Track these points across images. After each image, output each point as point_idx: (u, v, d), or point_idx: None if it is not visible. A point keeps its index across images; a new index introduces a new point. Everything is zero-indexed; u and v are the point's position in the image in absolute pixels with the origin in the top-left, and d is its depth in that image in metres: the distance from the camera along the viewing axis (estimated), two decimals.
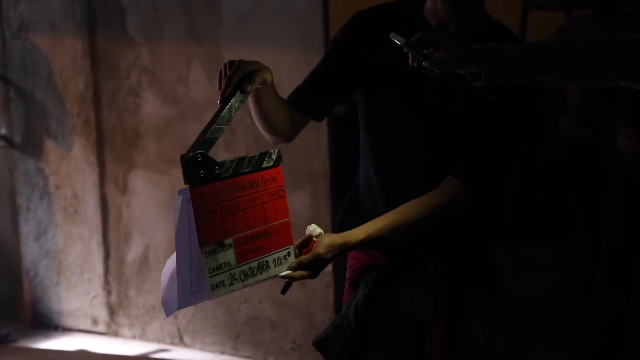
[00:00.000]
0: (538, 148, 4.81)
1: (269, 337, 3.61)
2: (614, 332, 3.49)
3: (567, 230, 4.71)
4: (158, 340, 3.83)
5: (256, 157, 1.72)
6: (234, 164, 1.68)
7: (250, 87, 1.73)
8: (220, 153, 3.58)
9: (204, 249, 1.62)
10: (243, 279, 1.68)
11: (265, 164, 1.73)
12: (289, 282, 1.80)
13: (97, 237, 3.89)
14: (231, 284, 1.66)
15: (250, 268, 1.70)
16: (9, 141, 4.05)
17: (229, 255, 1.66)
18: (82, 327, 4.00)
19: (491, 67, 1.62)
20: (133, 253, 3.84)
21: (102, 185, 3.86)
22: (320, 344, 2.00)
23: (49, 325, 4.06)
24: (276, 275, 1.75)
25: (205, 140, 1.66)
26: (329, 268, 3.44)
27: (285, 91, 3.73)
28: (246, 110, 3.79)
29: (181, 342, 3.79)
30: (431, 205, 1.84)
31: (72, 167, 3.91)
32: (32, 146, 4.00)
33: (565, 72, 1.64)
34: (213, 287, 1.63)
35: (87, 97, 3.83)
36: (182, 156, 1.63)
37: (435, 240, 1.92)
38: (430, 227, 1.87)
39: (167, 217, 3.73)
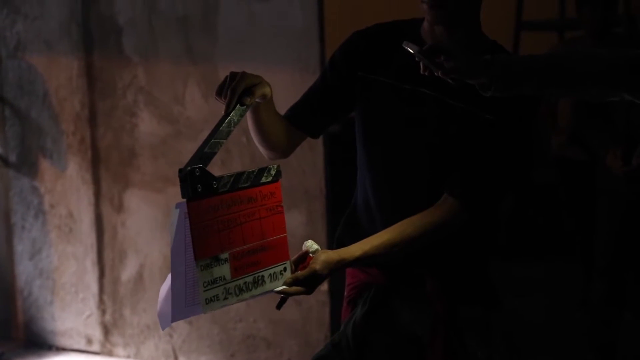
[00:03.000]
0: (532, 167, 4.84)
1: (265, 356, 3.61)
2: (609, 351, 3.50)
3: (562, 249, 4.72)
4: (153, 359, 3.82)
5: (255, 173, 1.73)
6: (232, 179, 1.69)
7: (250, 100, 1.74)
8: (215, 171, 3.57)
9: (199, 262, 1.63)
10: (238, 293, 1.69)
11: (264, 179, 1.74)
12: (284, 297, 1.80)
13: (92, 256, 3.89)
14: (225, 298, 1.67)
15: (245, 283, 1.70)
16: (4, 160, 4.06)
17: (224, 270, 1.66)
18: (76, 346, 3.98)
19: (501, 78, 1.63)
20: (128, 272, 3.84)
21: (97, 204, 3.86)
22: None
23: (42, 344, 4.05)
24: (271, 290, 1.75)
25: (204, 154, 1.67)
26: (325, 286, 3.44)
27: (281, 111, 3.75)
28: (242, 129, 3.81)
29: None
30: (427, 223, 1.85)
31: (67, 186, 3.92)
32: (27, 165, 4.00)
33: (574, 84, 1.65)
34: (207, 301, 1.64)
35: (82, 116, 3.84)
36: (180, 170, 1.64)
37: (433, 259, 1.93)
38: (427, 245, 1.87)
39: (163, 236, 3.73)
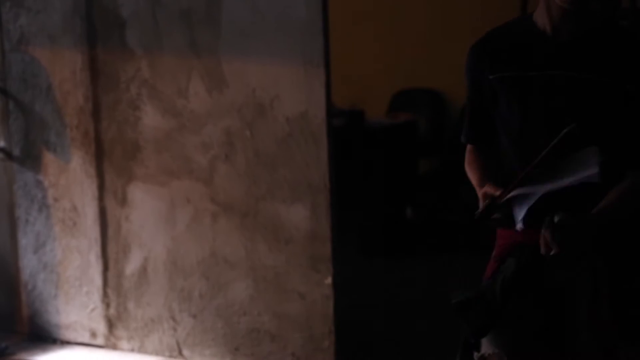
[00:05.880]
0: None
1: (269, 349, 3.60)
2: None
3: None
4: (157, 353, 3.82)
5: None
6: None
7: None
8: (219, 165, 3.59)
9: None
10: None
11: None
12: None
13: (96, 249, 3.89)
14: None
15: None
16: (7, 153, 4.06)
17: None
18: (80, 340, 3.99)
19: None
20: (132, 265, 3.84)
21: (101, 198, 3.86)
22: (459, 306, 1.99)
23: (47, 338, 4.05)
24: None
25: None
26: (329, 280, 3.44)
27: (285, 104, 3.74)
28: (245, 123, 3.80)
29: (180, 355, 3.78)
30: (630, 196, 1.90)
31: (71, 179, 3.91)
32: (31, 158, 4.00)
33: None
34: None
35: (86, 110, 3.84)
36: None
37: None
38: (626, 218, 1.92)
39: (166, 229, 3.73)
